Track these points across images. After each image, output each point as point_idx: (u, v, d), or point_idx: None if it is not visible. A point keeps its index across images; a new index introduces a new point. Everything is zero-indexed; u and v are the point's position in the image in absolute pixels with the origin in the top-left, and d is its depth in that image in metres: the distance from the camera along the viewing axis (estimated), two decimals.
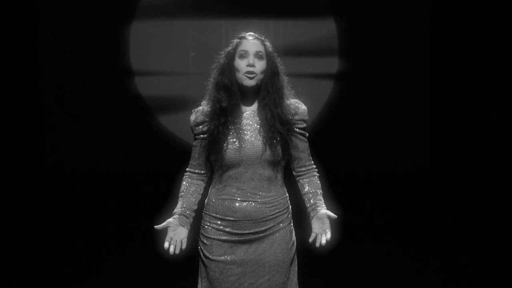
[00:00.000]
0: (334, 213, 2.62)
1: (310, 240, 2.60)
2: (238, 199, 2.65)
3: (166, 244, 2.63)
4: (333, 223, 2.61)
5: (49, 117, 4.77)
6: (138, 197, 4.62)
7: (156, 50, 4.79)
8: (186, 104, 4.66)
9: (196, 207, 2.74)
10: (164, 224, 2.64)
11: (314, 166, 2.79)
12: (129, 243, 4.58)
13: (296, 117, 2.72)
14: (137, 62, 4.81)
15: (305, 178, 2.75)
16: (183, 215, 2.69)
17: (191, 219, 2.71)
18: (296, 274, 2.78)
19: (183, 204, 2.71)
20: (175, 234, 2.64)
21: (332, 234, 2.59)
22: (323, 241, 2.55)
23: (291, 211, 2.78)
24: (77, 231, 4.73)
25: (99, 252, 4.69)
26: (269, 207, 2.67)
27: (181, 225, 2.66)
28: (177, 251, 2.64)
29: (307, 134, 2.77)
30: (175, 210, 2.71)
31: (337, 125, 4.81)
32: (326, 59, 4.83)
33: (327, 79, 4.84)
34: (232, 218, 2.66)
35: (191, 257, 2.91)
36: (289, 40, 4.76)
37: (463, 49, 4.76)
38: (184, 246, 2.66)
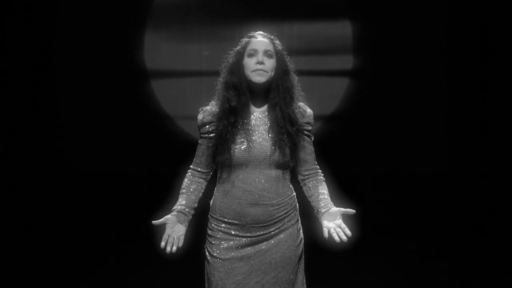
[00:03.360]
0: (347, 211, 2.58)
1: (325, 235, 2.55)
2: (246, 202, 2.63)
3: (163, 243, 2.63)
4: (348, 220, 2.57)
5: (64, 116, 4.80)
6: (152, 195, 4.62)
7: (169, 49, 4.80)
8: (200, 103, 4.70)
9: (196, 205, 2.74)
10: (162, 220, 2.64)
11: (320, 170, 2.78)
12: (143, 241, 4.60)
13: (304, 120, 2.73)
14: (151, 61, 4.82)
15: (311, 181, 2.74)
16: (182, 212, 2.68)
17: (190, 217, 2.71)
18: (302, 272, 2.76)
19: (182, 201, 2.71)
20: (172, 232, 2.64)
21: (350, 230, 2.53)
22: (344, 238, 2.49)
23: (298, 209, 2.77)
24: (89, 229, 4.75)
25: (109, 250, 4.72)
26: (277, 209, 2.66)
27: (179, 222, 2.66)
28: (174, 249, 2.62)
29: (313, 138, 2.76)
30: (174, 207, 2.70)
31: (352, 123, 4.77)
32: (340, 58, 4.79)
33: (341, 78, 4.81)
34: (240, 222, 2.65)
35: (196, 258, 2.92)
36: (303, 40, 4.74)
37: (482, 46, 4.70)
38: (181, 244, 2.65)
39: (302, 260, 2.75)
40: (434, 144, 4.82)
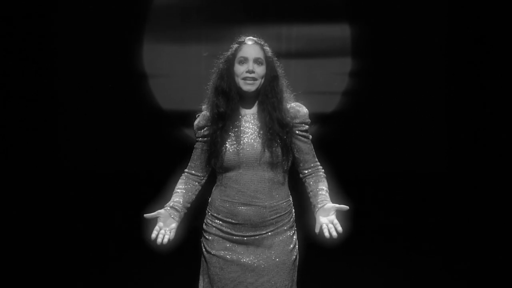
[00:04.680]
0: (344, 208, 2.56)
1: (317, 230, 2.56)
2: (239, 202, 2.67)
3: (153, 235, 2.63)
4: (342, 216, 2.57)
5: (63, 117, 4.84)
6: (152, 196, 4.65)
7: (168, 50, 4.83)
8: (199, 103, 4.72)
9: (188, 205, 2.77)
10: (154, 213, 2.65)
11: (320, 166, 2.80)
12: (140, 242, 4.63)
13: (297, 120, 2.73)
14: (150, 62, 4.85)
15: (312, 178, 2.76)
16: (174, 208, 2.71)
17: (183, 214, 2.73)
18: (295, 279, 2.78)
19: (175, 199, 2.75)
20: (164, 225, 2.66)
21: (342, 226, 2.53)
22: (334, 234, 2.50)
23: (294, 215, 2.79)
24: (89, 230, 4.79)
25: (108, 251, 4.76)
26: (269, 211, 2.69)
27: (171, 217, 2.68)
28: (165, 241, 2.63)
29: (311, 136, 2.79)
30: (167, 203, 2.73)
31: (351, 125, 4.78)
32: (339, 60, 4.81)
33: (340, 79, 4.82)
34: (232, 221, 2.69)
35: (194, 256, 2.95)
36: (301, 42, 4.75)
37: (482, 47, 4.69)
38: (172, 237, 2.65)
39: (296, 267, 2.77)
40: (434, 145, 4.83)
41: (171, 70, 4.85)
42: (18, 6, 4.66)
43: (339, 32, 4.77)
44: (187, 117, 4.68)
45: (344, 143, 4.68)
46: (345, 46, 4.78)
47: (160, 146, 4.80)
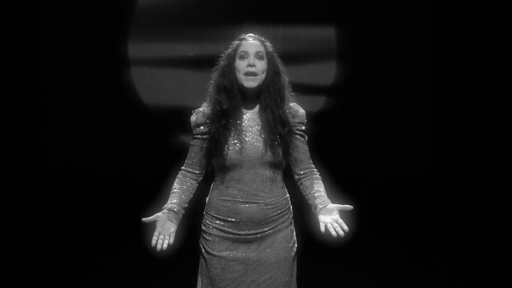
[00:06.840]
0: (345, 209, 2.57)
1: (322, 229, 2.54)
2: (241, 200, 2.67)
3: (153, 241, 2.61)
4: (344, 216, 2.57)
5: (50, 116, 4.80)
6: (140, 196, 4.63)
7: (155, 49, 4.81)
8: (184, 103, 4.72)
9: (186, 205, 2.74)
10: (152, 217, 2.63)
11: (316, 169, 2.80)
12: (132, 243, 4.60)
13: (296, 120, 2.74)
14: (136, 62, 4.83)
15: (308, 181, 2.76)
16: (172, 210, 2.67)
17: (181, 216, 2.70)
18: (295, 275, 2.79)
19: (173, 200, 2.71)
20: (163, 229, 2.63)
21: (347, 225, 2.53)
22: (341, 232, 2.50)
23: (292, 212, 2.80)
24: (80, 231, 4.75)
25: (101, 252, 4.72)
26: (271, 208, 2.69)
27: (169, 220, 2.65)
28: (165, 246, 2.61)
29: (307, 137, 2.79)
30: (165, 206, 2.70)
31: (335, 126, 4.81)
32: (324, 61, 4.84)
33: (325, 80, 4.85)
34: (234, 220, 2.68)
35: (191, 256, 2.94)
36: (287, 45, 4.77)
37: (464, 51, 4.75)
38: (172, 241, 2.63)
39: (295, 263, 2.79)
40: (419, 146, 4.87)
41: (156, 69, 4.83)
42: (3, 5, 4.61)
43: (325, 33, 4.80)
44: (173, 115, 4.76)
45: (331, 143, 4.70)
46: (330, 47, 4.82)
47: (148, 145, 4.80)
